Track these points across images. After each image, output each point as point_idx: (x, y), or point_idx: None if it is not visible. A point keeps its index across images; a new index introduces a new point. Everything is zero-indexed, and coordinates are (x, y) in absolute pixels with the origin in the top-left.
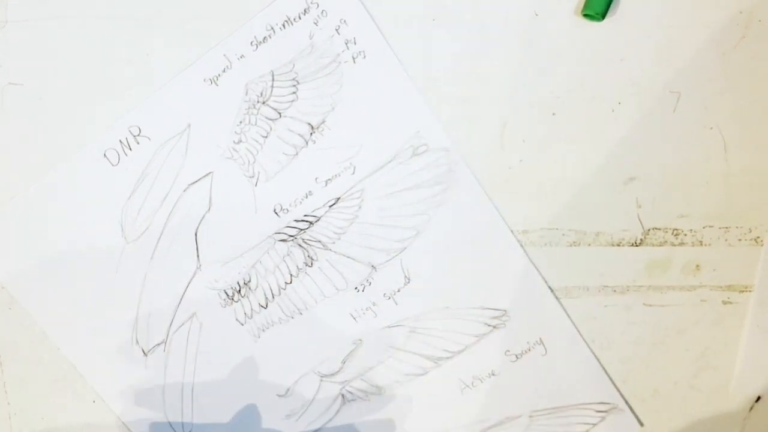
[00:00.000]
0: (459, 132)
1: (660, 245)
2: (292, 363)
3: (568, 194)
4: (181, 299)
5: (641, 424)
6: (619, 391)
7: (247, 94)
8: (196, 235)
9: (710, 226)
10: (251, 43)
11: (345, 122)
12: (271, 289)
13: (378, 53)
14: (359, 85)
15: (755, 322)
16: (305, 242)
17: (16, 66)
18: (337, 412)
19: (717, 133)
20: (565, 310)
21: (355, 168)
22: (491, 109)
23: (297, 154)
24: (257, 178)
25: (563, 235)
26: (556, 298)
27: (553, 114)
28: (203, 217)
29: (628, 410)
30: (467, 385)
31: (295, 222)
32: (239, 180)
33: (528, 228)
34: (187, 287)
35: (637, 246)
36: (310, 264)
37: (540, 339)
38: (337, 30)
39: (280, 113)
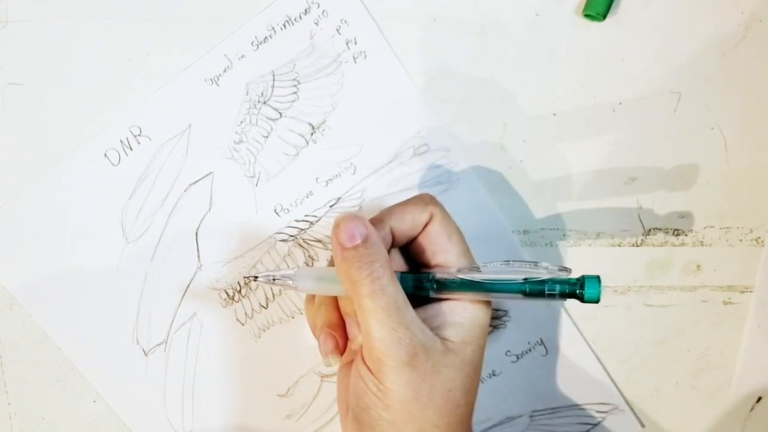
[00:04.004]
0: (459, 132)
1: (661, 245)
2: (293, 363)
3: (568, 194)
4: (181, 299)
5: (642, 425)
6: (619, 391)
7: (247, 94)
8: (196, 235)
9: (711, 227)
10: (252, 43)
11: (346, 122)
12: (272, 289)
13: (379, 53)
14: (360, 85)
15: (756, 323)
16: (306, 242)
17: (16, 66)
18: (338, 412)
19: (718, 133)
20: (566, 310)
21: (355, 168)
22: (491, 109)
23: (298, 154)
24: (258, 178)
25: (563, 235)
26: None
27: (553, 114)
28: (204, 217)
29: (629, 410)
30: None
31: (295, 222)
32: (240, 180)
33: (528, 228)
34: (187, 287)
35: (637, 246)
36: (310, 264)
37: (540, 339)
38: (337, 30)
39: (280, 113)
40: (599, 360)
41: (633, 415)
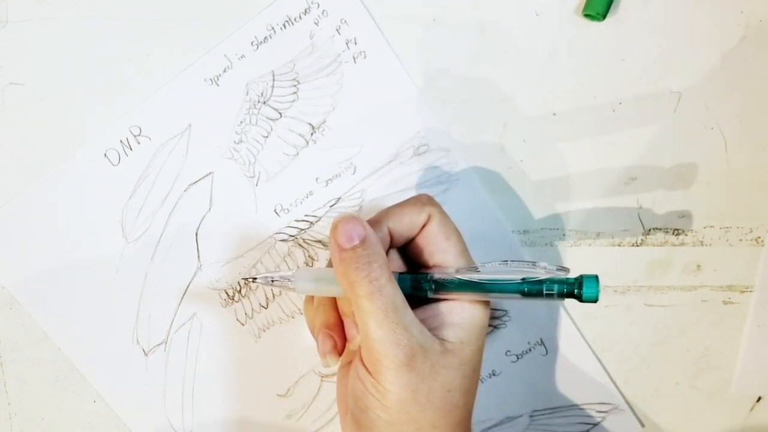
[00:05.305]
0: (459, 132)
1: (661, 245)
2: (293, 363)
3: (568, 194)
4: (181, 299)
5: (642, 425)
6: (620, 391)
7: (247, 94)
8: (196, 235)
9: (711, 226)
10: (252, 43)
11: (346, 122)
12: (272, 289)
13: (378, 53)
14: (360, 85)
15: (756, 323)
16: (306, 242)
17: (16, 66)
18: (338, 412)
19: (718, 133)
20: (566, 310)
21: (355, 168)
22: (491, 109)
23: (297, 154)
24: (258, 178)
25: (563, 235)
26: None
27: (553, 114)
28: (204, 217)
29: (629, 410)
30: None
31: (295, 222)
32: (240, 180)
33: (528, 228)
34: (187, 287)
35: (637, 246)
36: (310, 264)
37: (540, 339)
38: (337, 30)
39: (280, 113)
40: (599, 360)
41: (633, 415)
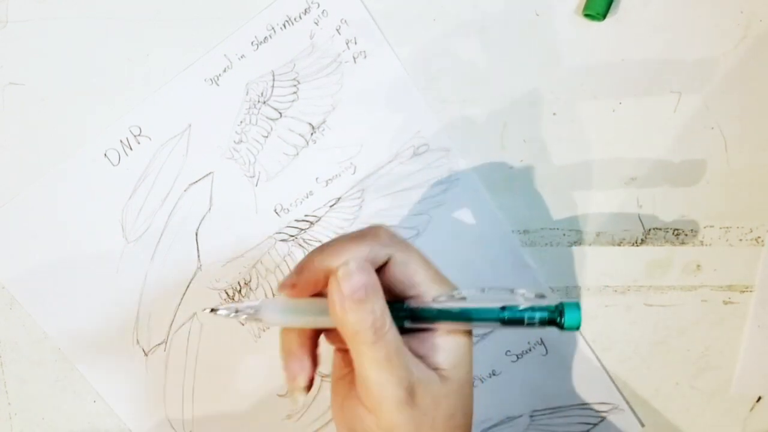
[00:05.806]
0: (459, 132)
1: (661, 245)
2: None
3: (568, 194)
4: (181, 299)
5: (642, 425)
6: (620, 391)
7: (247, 94)
8: (196, 235)
9: (711, 226)
10: (252, 42)
11: (346, 122)
12: (272, 289)
13: (379, 53)
14: (360, 85)
15: (756, 322)
16: (306, 242)
17: (16, 66)
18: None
19: (718, 132)
20: None
21: (355, 168)
22: (491, 109)
23: (297, 154)
24: (258, 178)
25: (563, 235)
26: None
27: (553, 114)
28: (204, 217)
29: (629, 410)
30: None
31: (295, 222)
32: (240, 180)
33: (528, 228)
34: (187, 287)
35: (637, 246)
36: None
37: (540, 339)
38: (337, 30)
39: (280, 113)
40: (599, 360)
41: (633, 414)
